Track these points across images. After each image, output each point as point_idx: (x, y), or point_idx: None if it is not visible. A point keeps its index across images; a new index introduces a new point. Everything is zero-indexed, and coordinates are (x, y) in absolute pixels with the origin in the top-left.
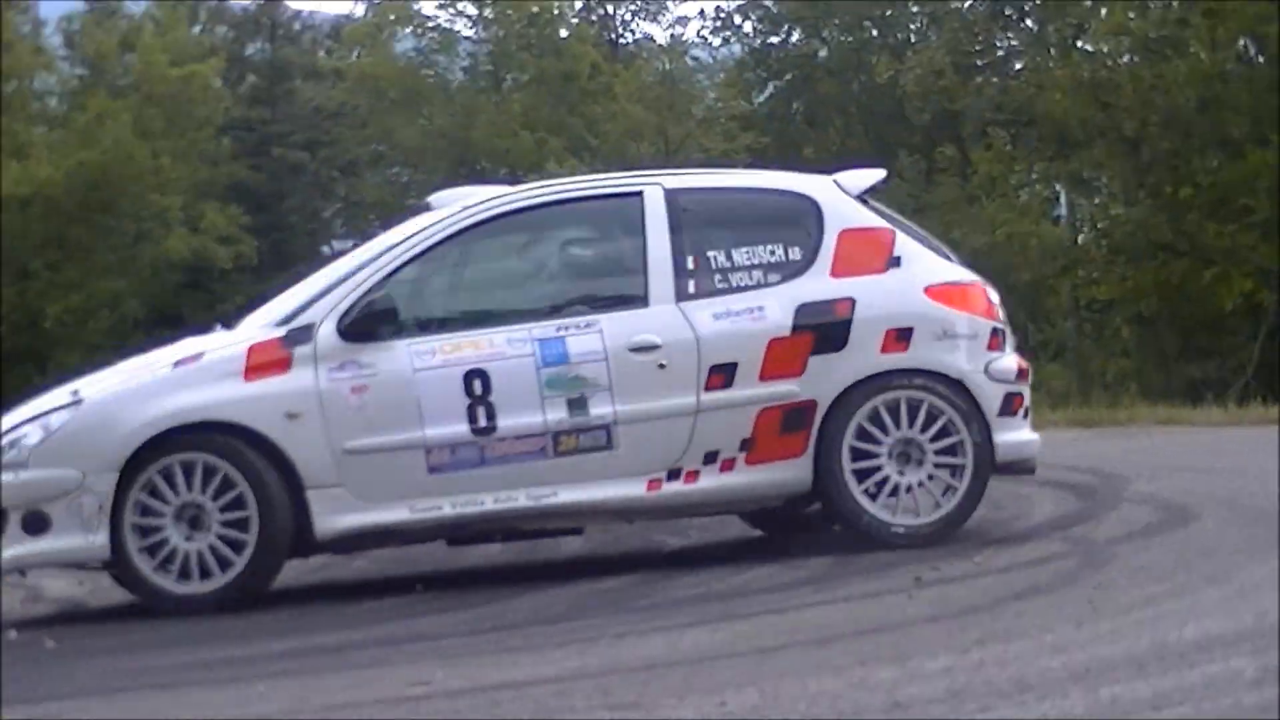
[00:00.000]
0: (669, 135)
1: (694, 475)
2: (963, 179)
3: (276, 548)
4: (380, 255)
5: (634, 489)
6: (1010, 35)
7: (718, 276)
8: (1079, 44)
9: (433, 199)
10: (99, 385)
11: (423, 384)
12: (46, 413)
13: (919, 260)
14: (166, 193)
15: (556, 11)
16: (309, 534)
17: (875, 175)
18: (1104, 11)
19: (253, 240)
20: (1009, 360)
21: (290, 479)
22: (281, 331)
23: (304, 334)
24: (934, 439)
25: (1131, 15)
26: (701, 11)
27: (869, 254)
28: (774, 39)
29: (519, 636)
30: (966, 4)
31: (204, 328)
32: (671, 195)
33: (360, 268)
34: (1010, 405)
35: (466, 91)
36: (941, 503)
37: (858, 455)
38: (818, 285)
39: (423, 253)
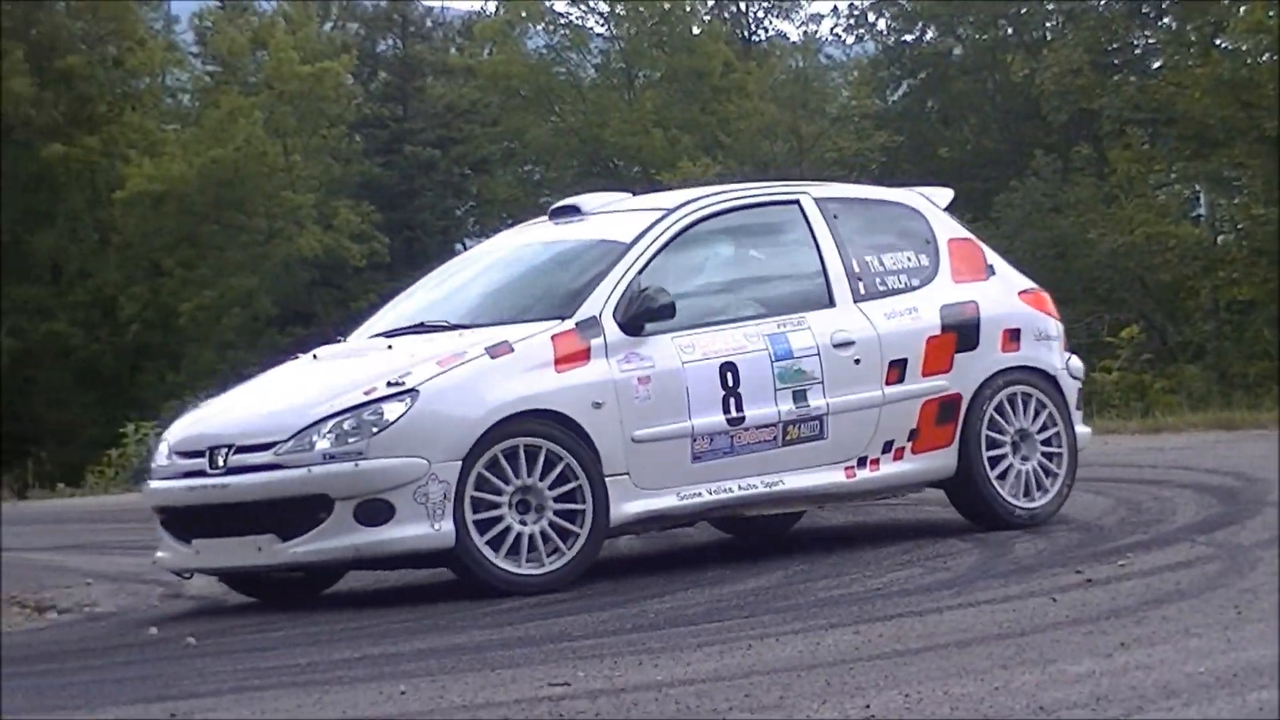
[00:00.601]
0: (801, 134)
1: (876, 463)
2: (1100, 178)
3: (601, 533)
4: (622, 252)
5: (837, 476)
6: (1148, 33)
7: (877, 280)
8: (1218, 42)
9: (578, 202)
10: (417, 375)
11: (689, 376)
12: (366, 403)
13: (1004, 268)
14: (298, 190)
15: (689, 8)
16: (605, 522)
17: (948, 193)
18: (1243, 9)
19: (384, 238)
20: (1077, 360)
21: (589, 467)
22: (571, 324)
23: (594, 326)
24: (1039, 430)
25: (1271, 14)
26: (835, 9)
27: (973, 262)
28: (908, 37)
29: (658, 638)
30: (1104, 1)
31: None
32: (821, 203)
33: (609, 267)
34: (1078, 401)
35: (598, 89)
36: (1048, 487)
37: (990, 444)
38: (948, 290)
39: (658, 251)
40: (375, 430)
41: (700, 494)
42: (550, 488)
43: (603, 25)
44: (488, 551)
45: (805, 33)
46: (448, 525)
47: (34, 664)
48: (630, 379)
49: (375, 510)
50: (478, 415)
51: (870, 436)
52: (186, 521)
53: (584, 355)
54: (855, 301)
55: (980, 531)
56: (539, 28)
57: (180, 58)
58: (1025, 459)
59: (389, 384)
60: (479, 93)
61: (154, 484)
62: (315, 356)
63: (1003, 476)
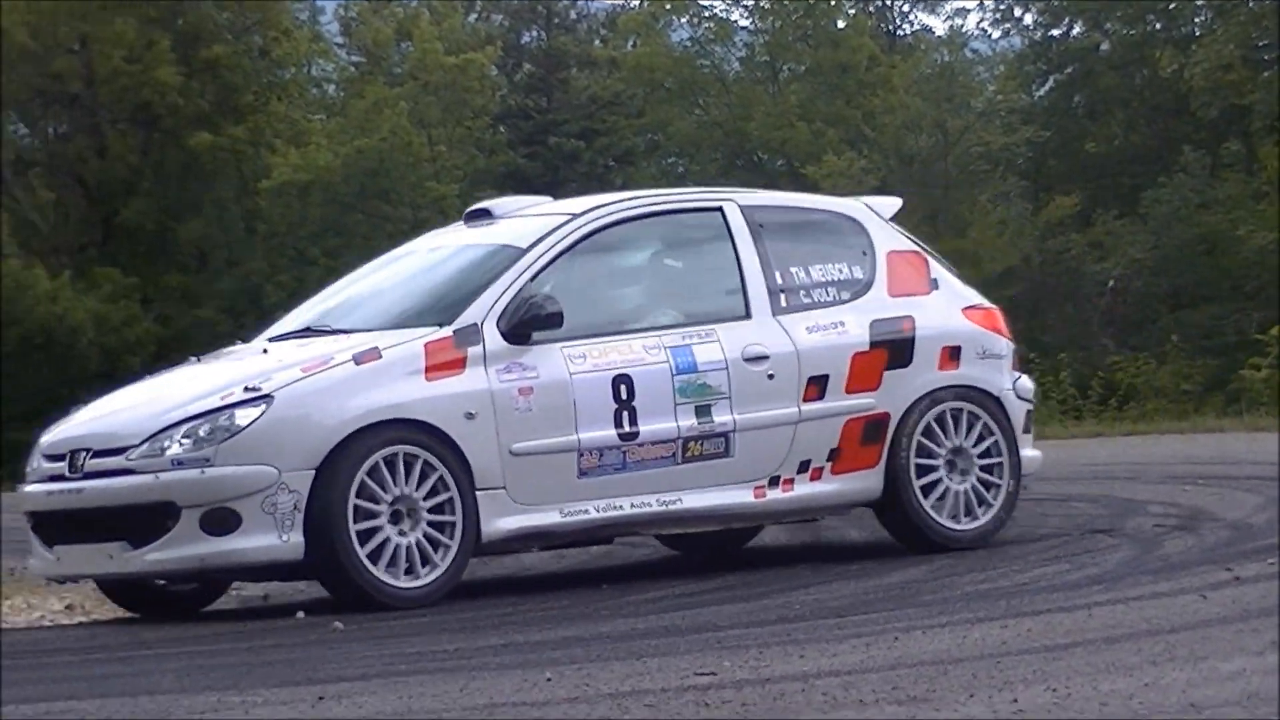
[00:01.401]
0: (947, 128)
1: (790, 483)
2: (1249, 174)
3: (470, 547)
4: (514, 258)
5: (744, 496)
6: None
7: (802, 292)
8: None
9: (491, 205)
10: (277, 379)
11: (578, 387)
12: (220, 409)
13: (950, 282)
14: (443, 180)
15: (833, 2)
16: (475, 536)
17: (896, 202)
18: None
19: None
20: (1028, 381)
21: (465, 479)
22: (448, 331)
23: (473, 334)
24: (977, 449)
25: None
26: (981, 3)
27: (914, 276)
28: (1054, 31)
29: (804, 629)
30: None
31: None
32: (748, 211)
33: (499, 269)
34: (1027, 423)
35: (742, 82)
36: (990, 503)
37: (921, 465)
38: (882, 303)
39: (555, 258)
40: (225, 436)
41: (586, 511)
42: (425, 499)
43: (747, 19)
44: (366, 562)
45: (951, 27)
46: (297, 537)
47: (184, 645)
48: (510, 389)
49: (222, 519)
50: (333, 424)
51: (784, 456)
52: (49, 527)
53: (458, 364)
54: (774, 314)
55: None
56: (683, 20)
57: (325, 48)
58: (963, 478)
59: (245, 389)
60: (623, 85)
61: (25, 487)
62: (198, 359)
63: (939, 498)
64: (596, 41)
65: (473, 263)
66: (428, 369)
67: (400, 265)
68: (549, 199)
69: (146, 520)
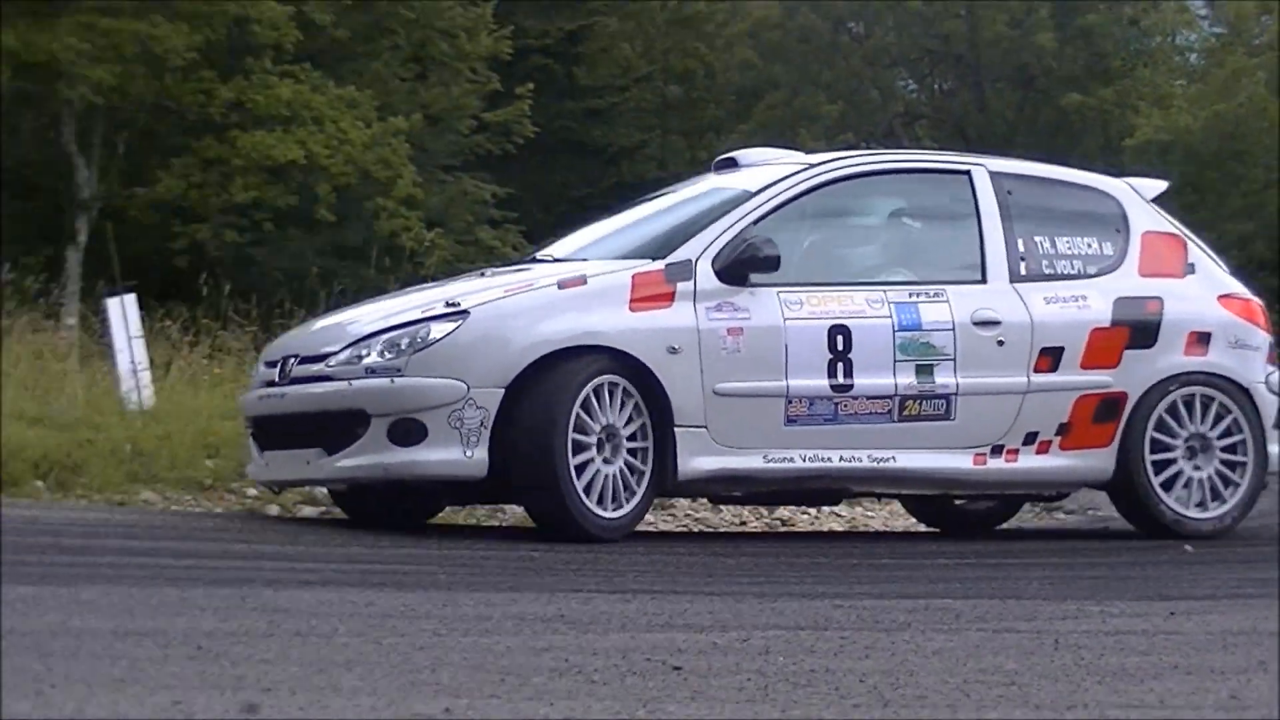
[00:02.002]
0: None
1: (1014, 454)
2: None
3: (664, 482)
4: (740, 201)
5: (964, 462)
6: None
7: (1044, 262)
8: None
9: (739, 155)
10: (477, 297)
11: (791, 333)
12: (418, 321)
13: (1209, 269)
14: None
15: None
16: (671, 473)
17: (1161, 185)
18: None
19: None
20: None
21: (662, 415)
22: (660, 265)
23: (684, 269)
24: (1220, 437)
25: None
26: None
27: (1169, 258)
28: None
29: None
30: None
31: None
32: (997, 178)
33: (724, 210)
34: (1279, 418)
35: None
36: (1226, 498)
37: (1156, 447)
38: (1130, 282)
39: (783, 204)
40: (419, 347)
41: (791, 459)
42: (624, 428)
43: None
44: (581, 492)
45: None
46: (481, 454)
47: (1044, 557)
48: (719, 328)
49: (408, 429)
50: (525, 344)
51: (1009, 425)
52: (262, 432)
53: (666, 298)
54: (1012, 281)
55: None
56: None
57: (1190, 19)
58: (1199, 467)
59: (446, 304)
60: None
61: (246, 394)
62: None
63: (1170, 483)
64: None
65: (702, 205)
66: (633, 300)
67: (644, 207)
68: (799, 152)
69: (340, 427)
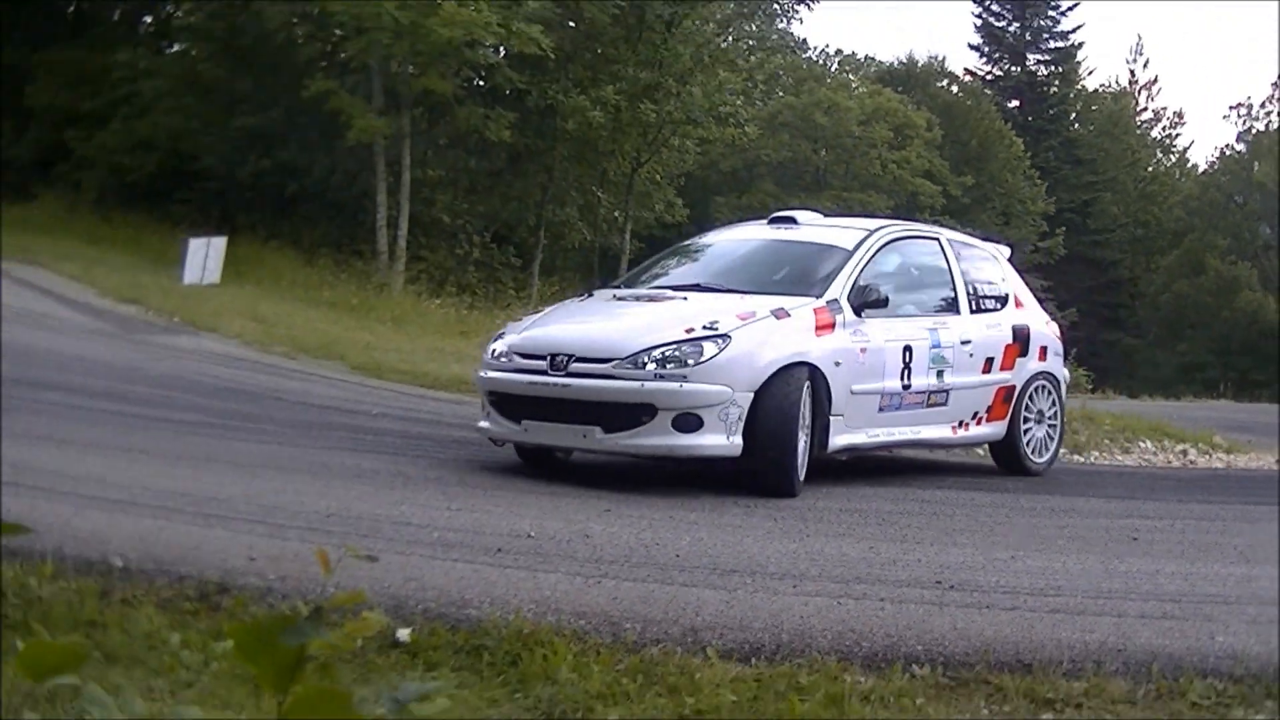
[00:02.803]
0: None
1: (967, 426)
2: None
3: (820, 452)
4: (849, 255)
5: (947, 431)
6: None
7: (981, 300)
8: None
9: (795, 215)
10: (726, 323)
11: (886, 350)
12: (689, 340)
13: (1034, 302)
14: None
15: None
16: (822, 447)
17: (1007, 249)
18: None
19: None
20: (1066, 371)
21: (823, 406)
22: (824, 301)
23: (837, 306)
24: (1048, 409)
25: None
26: None
27: (1024, 296)
28: None
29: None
30: None
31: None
32: (951, 243)
33: (843, 264)
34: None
35: None
36: (1049, 450)
37: (1025, 419)
38: (1015, 314)
39: (872, 258)
40: (697, 361)
41: (878, 435)
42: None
43: None
44: (800, 466)
45: None
46: (738, 439)
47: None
48: (855, 347)
49: (688, 421)
50: (768, 360)
51: (970, 408)
52: (517, 406)
53: (832, 326)
54: (971, 313)
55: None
56: None
57: None
58: (1037, 431)
59: (704, 327)
60: None
61: (491, 373)
62: (615, 298)
63: (1027, 441)
64: None
65: (811, 254)
66: (817, 327)
67: (732, 247)
68: (819, 213)
69: (625, 414)
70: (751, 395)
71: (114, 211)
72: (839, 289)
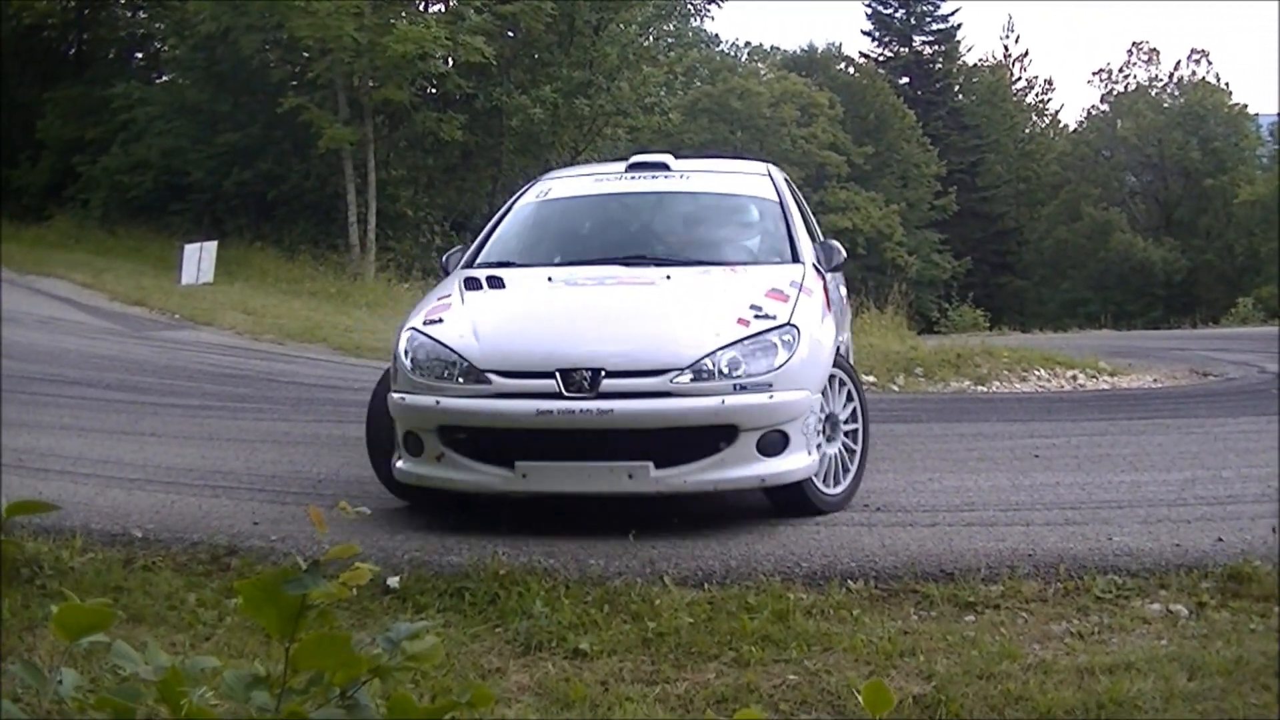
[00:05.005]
0: None
1: None
2: None
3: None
4: (782, 207)
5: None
6: None
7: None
8: None
9: (666, 159)
10: (780, 310)
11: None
12: (755, 335)
13: None
14: None
15: None
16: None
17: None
18: None
19: None
20: None
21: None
22: (809, 268)
23: (817, 271)
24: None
25: None
26: None
27: None
28: None
29: None
30: None
31: None
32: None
33: (784, 218)
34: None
35: None
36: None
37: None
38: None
39: (801, 207)
40: (774, 363)
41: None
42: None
43: None
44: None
45: None
46: (815, 453)
47: None
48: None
49: (774, 441)
50: (829, 352)
51: None
52: (508, 445)
53: (828, 299)
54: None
55: None
56: None
57: None
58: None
59: (756, 316)
60: None
61: (449, 401)
62: (550, 280)
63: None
64: None
65: (739, 207)
66: (826, 304)
67: (634, 203)
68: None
69: (692, 441)
70: (820, 397)
71: (118, 225)
72: (808, 251)
